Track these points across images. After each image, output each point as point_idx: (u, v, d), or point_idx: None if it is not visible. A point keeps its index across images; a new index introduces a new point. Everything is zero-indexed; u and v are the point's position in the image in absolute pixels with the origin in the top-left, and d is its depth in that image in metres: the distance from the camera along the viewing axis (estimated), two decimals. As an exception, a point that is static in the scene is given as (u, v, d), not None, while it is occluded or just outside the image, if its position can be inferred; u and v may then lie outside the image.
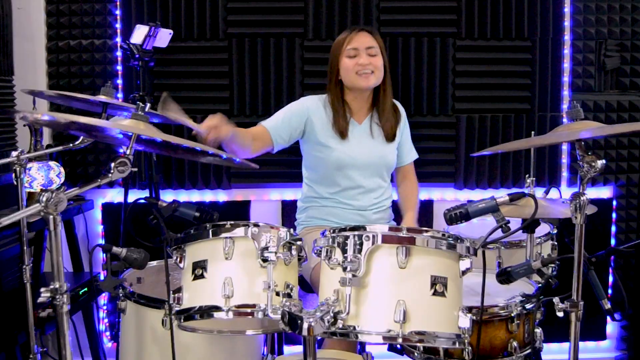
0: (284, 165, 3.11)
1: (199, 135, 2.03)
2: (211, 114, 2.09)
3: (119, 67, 3.11)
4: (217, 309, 1.70)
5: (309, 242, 1.82)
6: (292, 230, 1.77)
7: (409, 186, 2.73)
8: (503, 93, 3.16)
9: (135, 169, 2.73)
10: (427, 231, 1.64)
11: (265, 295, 1.66)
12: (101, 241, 3.16)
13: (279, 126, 2.49)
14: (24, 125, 2.74)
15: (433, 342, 1.62)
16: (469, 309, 1.67)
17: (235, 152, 2.24)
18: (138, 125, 1.61)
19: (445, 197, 3.24)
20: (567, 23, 3.14)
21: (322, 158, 2.55)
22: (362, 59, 2.47)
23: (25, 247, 2.07)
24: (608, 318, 3.23)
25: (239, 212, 3.16)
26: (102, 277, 1.78)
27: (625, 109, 3.19)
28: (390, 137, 2.59)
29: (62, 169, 2.61)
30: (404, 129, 2.70)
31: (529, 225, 2.15)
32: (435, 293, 1.60)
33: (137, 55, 2.71)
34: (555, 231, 2.56)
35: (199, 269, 1.75)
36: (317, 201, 2.61)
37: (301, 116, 2.52)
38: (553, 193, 2.58)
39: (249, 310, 1.70)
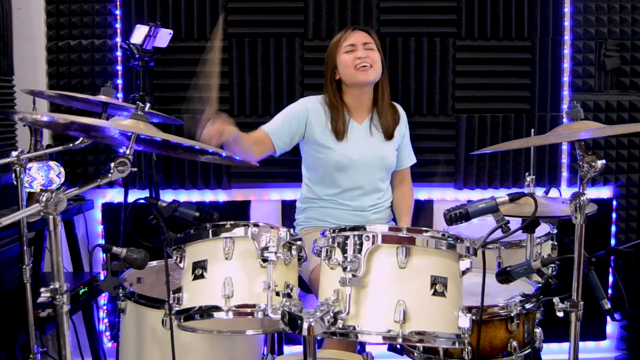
0: (284, 165, 3.11)
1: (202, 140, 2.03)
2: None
3: (119, 67, 3.11)
4: (217, 309, 1.70)
5: (308, 243, 1.82)
6: (292, 230, 1.77)
7: (405, 191, 2.74)
8: (503, 93, 3.17)
9: (135, 169, 2.71)
10: (427, 231, 1.63)
11: (265, 295, 1.66)
12: (101, 241, 3.16)
13: (280, 130, 2.49)
14: (24, 125, 2.74)
15: (433, 342, 1.62)
16: (469, 309, 1.67)
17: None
18: (138, 125, 1.61)
19: (445, 197, 3.24)
20: (567, 23, 3.14)
21: (322, 159, 2.54)
22: (359, 52, 2.48)
23: (25, 247, 2.07)
24: (608, 318, 3.23)
25: (239, 212, 3.16)
26: (102, 277, 1.78)
27: (625, 109, 3.19)
28: (388, 135, 2.58)
29: (62, 169, 2.61)
30: (404, 132, 2.69)
31: (529, 225, 2.16)
32: (435, 293, 1.60)
33: (137, 55, 2.71)
34: (555, 231, 2.57)
35: (199, 269, 1.75)
36: (315, 202, 2.61)
37: (301, 118, 2.52)
38: (553, 193, 2.59)
39: (249, 310, 1.70)
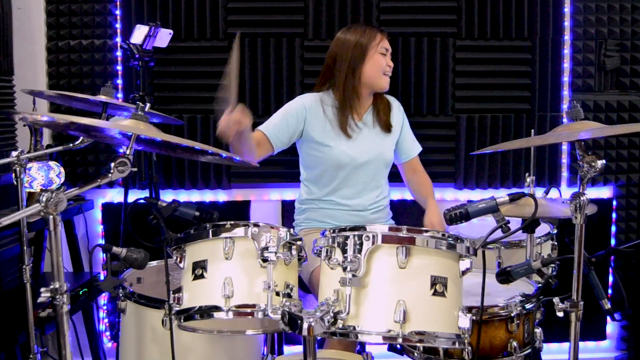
0: (284, 165, 3.10)
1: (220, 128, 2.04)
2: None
3: (119, 67, 3.11)
4: (217, 309, 1.70)
5: (308, 244, 1.82)
6: (292, 230, 1.77)
7: (421, 177, 2.72)
8: (503, 93, 3.16)
9: (135, 169, 2.72)
10: (427, 231, 1.64)
11: (265, 295, 1.66)
12: (101, 241, 3.16)
13: (277, 130, 2.48)
14: (24, 125, 2.74)
15: (433, 342, 1.62)
16: (469, 309, 1.67)
17: (243, 154, 2.23)
18: (138, 125, 1.61)
19: (445, 197, 3.24)
20: (567, 23, 3.14)
21: (320, 157, 2.54)
22: (389, 61, 2.51)
23: (25, 247, 2.07)
24: (608, 318, 3.23)
25: (239, 212, 3.16)
26: (102, 277, 1.78)
27: (625, 109, 3.19)
28: (386, 126, 2.58)
29: (62, 169, 2.61)
30: (403, 121, 2.69)
31: (529, 225, 2.16)
32: (435, 293, 1.60)
33: (137, 55, 2.71)
34: (555, 231, 2.56)
35: (199, 269, 1.75)
36: (314, 203, 2.60)
37: (299, 116, 2.51)
38: (553, 193, 2.58)
39: (249, 310, 1.70)
